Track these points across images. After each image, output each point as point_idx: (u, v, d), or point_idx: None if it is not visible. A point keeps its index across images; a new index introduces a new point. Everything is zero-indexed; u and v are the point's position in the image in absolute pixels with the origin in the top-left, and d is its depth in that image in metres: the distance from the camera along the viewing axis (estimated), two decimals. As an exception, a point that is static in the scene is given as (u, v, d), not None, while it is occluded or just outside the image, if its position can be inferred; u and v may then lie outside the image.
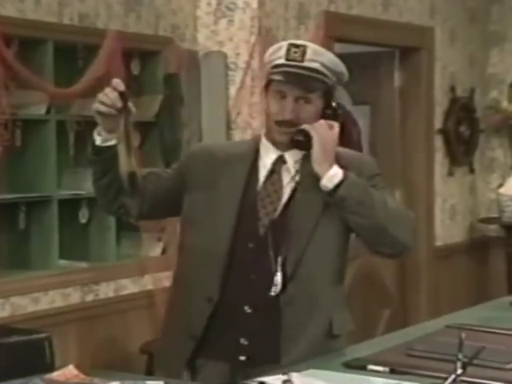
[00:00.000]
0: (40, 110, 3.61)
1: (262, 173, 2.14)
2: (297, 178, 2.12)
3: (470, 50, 5.56)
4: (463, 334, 1.75)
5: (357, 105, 5.34)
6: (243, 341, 2.09)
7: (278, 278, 2.06)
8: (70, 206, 3.75)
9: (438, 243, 5.33)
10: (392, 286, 5.20)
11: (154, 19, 3.98)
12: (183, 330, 2.13)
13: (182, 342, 2.12)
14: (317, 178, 2.07)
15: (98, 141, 2.08)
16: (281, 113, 2.09)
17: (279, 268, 2.06)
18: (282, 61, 2.10)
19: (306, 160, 2.11)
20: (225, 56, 4.07)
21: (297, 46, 2.11)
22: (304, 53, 2.09)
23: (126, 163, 2.05)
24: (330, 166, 2.04)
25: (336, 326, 2.14)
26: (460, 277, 5.47)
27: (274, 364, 2.03)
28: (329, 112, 2.14)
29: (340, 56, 5.07)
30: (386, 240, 2.06)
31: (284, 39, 4.21)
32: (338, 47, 4.56)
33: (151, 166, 3.93)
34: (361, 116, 5.34)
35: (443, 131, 5.37)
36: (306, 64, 2.08)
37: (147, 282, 3.88)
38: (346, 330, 2.18)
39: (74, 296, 3.66)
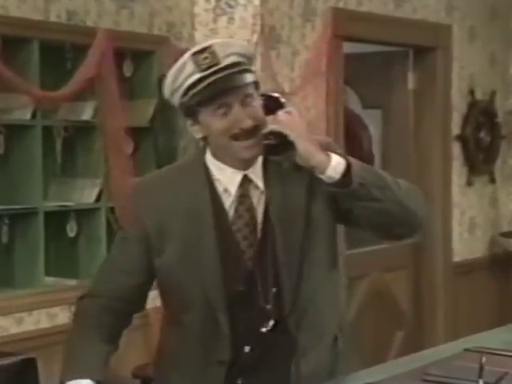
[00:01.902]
0: (25, 115, 3.61)
1: (226, 198, 2.03)
2: (263, 193, 2.02)
3: (491, 49, 5.57)
4: (484, 359, 1.74)
5: (367, 109, 5.34)
6: (239, 381, 2.07)
7: (271, 311, 2.02)
8: (56, 219, 3.75)
9: (457, 259, 5.32)
10: (406, 304, 5.19)
11: (148, 17, 3.99)
12: None
13: None
14: (287, 186, 2.00)
15: None
16: (235, 125, 1.95)
17: (271, 301, 2.01)
18: (196, 76, 1.95)
19: (269, 169, 2.03)
20: (225, 56, 4.08)
21: (201, 50, 1.97)
22: (214, 53, 1.96)
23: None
24: (327, 155, 1.93)
25: (340, 341, 2.11)
26: (480, 295, 5.46)
27: None
28: (271, 103, 1.99)
29: (349, 56, 5.09)
30: (406, 218, 2.01)
31: (288, 38, 4.26)
32: (347, 47, 4.57)
33: (145, 174, 3.96)
34: (372, 121, 5.34)
35: (461, 137, 5.36)
36: (224, 63, 1.95)
37: (140, 301, 3.87)
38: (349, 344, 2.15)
39: (61, 316, 3.65)
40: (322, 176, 1.94)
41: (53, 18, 3.63)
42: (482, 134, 5.49)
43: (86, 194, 3.83)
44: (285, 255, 2.01)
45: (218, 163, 2.04)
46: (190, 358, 2.08)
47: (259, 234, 2.02)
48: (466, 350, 2.30)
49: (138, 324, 3.85)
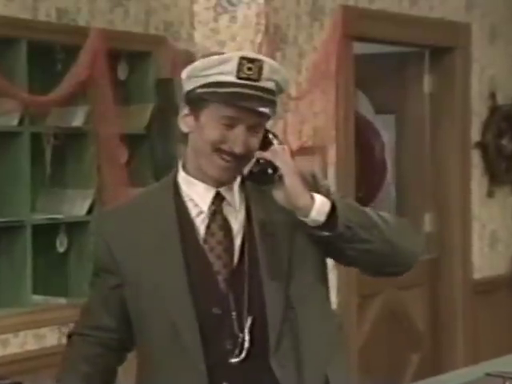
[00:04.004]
0: (12, 121, 3.62)
1: (197, 217, 2.02)
2: (240, 212, 2.02)
3: (513, 49, 5.58)
4: (506, 384, 1.74)
5: (380, 114, 5.35)
6: None
7: (246, 342, 1.97)
8: (45, 233, 3.75)
9: (477, 276, 5.31)
10: (422, 325, 5.19)
11: (144, 15, 4.00)
12: None
13: None
14: (269, 207, 1.98)
15: None
16: (227, 143, 1.95)
17: (247, 329, 1.97)
18: (231, 78, 1.93)
19: (249, 190, 2.02)
20: (226, 58, 4.09)
21: (251, 60, 1.94)
22: (261, 69, 1.93)
23: None
24: (312, 197, 1.94)
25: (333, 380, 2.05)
26: (502, 315, 5.45)
27: None
28: (266, 141, 2.00)
29: (360, 57, 5.09)
30: (398, 257, 2.04)
31: (295, 38, 4.27)
32: (358, 47, 4.58)
33: (140, 185, 3.97)
34: (384, 127, 5.35)
35: (481, 145, 5.36)
36: (262, 84, 1.94)
37: (135, 322, 3.87)
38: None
39: (50, 338, 3.65)
40: (305, 219, 1.95)
41: (42, 17, 3.64)
42: (504, 141, 5.49)
43: (77, 205, 3.83)
44: (269, 281, 1.99)
45: (190, 179, 2.03)
46: None
47: (236, 254, 2.01)
48: (488, 374, 2.30)
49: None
